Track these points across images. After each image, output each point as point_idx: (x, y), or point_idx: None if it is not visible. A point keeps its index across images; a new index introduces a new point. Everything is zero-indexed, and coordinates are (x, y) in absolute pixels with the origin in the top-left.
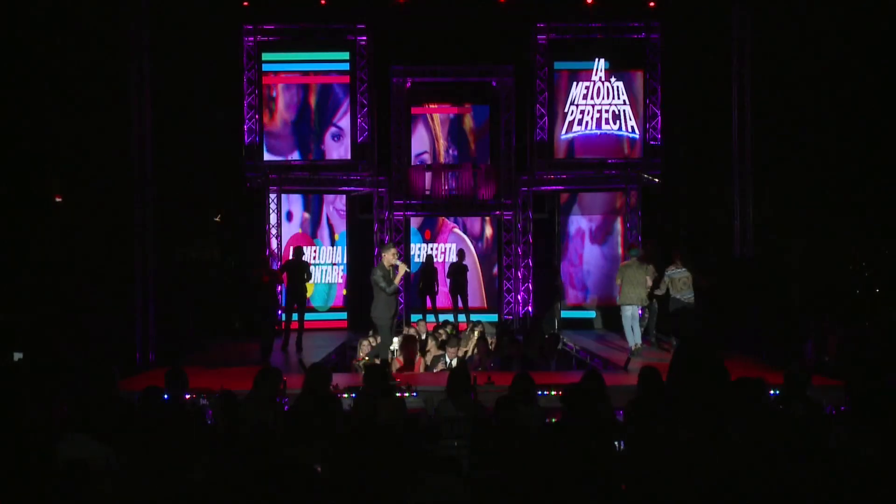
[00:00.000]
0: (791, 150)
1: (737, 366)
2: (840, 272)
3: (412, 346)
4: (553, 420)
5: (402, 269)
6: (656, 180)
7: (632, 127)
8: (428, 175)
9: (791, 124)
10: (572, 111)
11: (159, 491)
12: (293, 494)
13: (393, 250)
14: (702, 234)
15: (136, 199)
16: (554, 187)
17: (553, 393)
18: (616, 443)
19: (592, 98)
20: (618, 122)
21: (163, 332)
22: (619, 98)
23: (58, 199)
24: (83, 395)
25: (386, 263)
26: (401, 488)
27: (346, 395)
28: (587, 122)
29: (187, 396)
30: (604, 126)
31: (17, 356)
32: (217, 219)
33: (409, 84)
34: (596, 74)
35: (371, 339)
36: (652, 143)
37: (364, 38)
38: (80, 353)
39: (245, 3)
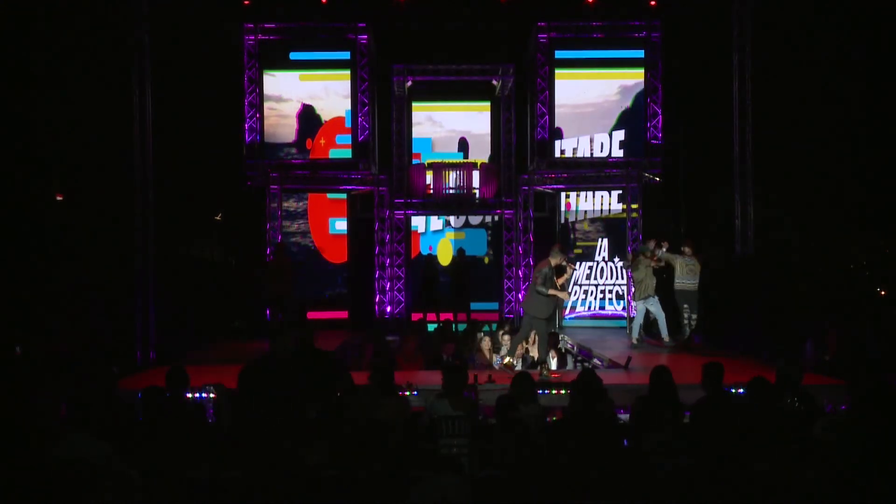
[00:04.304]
0: (791, 149)
1: (737, 366)
2: (840, 271)
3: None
4: (553, 419)
5: (569, 271)
6: (657, 179)
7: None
8: (429, 174)
9: (791, 123)
10: None
11: (161, 490)
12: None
13: (559, 255)
14: (702, 234)
15: (136, 198)
16: (555, 186)
17: (553, 392)
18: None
19: None
20: None
21: (163, 332)
22: None
23: (58, 199)
24: (83, 394)
25: (553, 262)
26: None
27: None
28: None
29: (188, 395)
30: None
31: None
32: (217, 218)
33: (409, 82)
34: None
35: (506, 336)
36: (653, 142)
37: (364, 36)
38: (80, 352)
39: (246, 2)
